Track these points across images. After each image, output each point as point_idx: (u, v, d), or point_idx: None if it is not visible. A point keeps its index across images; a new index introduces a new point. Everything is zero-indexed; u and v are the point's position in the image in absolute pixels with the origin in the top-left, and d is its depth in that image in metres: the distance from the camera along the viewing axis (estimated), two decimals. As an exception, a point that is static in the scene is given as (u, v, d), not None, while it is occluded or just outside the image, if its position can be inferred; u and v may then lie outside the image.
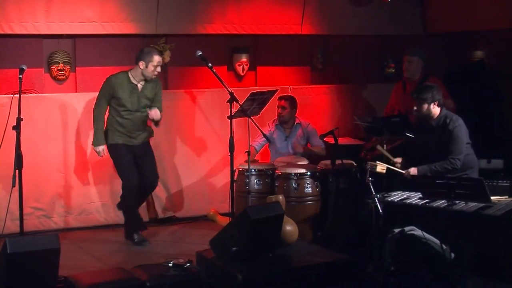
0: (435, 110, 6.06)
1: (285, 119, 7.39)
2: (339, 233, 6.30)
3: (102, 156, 6.57)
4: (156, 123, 6.60)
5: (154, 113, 6.44)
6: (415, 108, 6.13)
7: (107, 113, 6.53)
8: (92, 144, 6.58)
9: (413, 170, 6.00)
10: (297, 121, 7.46)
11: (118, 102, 6.44)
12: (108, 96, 6.45)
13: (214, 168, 7.74)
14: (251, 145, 7.23)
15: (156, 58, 6.45)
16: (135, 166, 6.55)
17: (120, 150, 6.53)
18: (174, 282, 4.98)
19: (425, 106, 6.05)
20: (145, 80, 6.48)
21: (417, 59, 7.17)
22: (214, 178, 7.75)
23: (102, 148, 6.52)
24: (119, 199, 6.79)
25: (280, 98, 7.32)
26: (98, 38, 7.29)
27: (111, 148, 6.56)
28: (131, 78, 6.46)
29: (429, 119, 6.12)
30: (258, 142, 7.35)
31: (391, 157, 6.18)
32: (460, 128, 5.98)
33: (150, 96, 6.55)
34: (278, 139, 7.41)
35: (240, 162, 6.90)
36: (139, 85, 6.49)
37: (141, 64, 6.42)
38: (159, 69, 6.49)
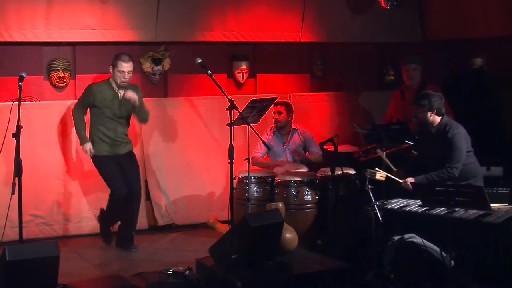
0: (433, 118, 6.05)
1: (282, 124, 7.40)
2: (339, 240, 6.29)
3: (91, 153, 6.44)
4: (134, 108, 6.41)
5: (131, 93, 6.26)
6: (414, 113, 6.16)
7: (88, 121, 6.50)
8: (81, 145, 6.51)
9: (410, 180, 5.97)
10: (293, 126, 7.47)
11: (99, 110, 6.38)
12: (88, 103, 6.41)
13: (214, 176, 7.73)
14: (255, 156, 7.27)
15: (122, 64, 6.27)
16: (122, 175, 6.48)
17: (105, 160, 6.46)
18: (174, 290, 4.98)
19: (421, 112, 6.06)
20: (122, 86, 6.39)
21: (419, 66, 7.20)
22: (213, 185, 7.74)
23: (90, 145, 6.42)
24: (100, 213, 6.82)
25: (276, 104, 7.31)
26: (97, 46, 7.29)
27: (96, 160, 6.49)
28: (112, 85, 6.41)
29: (428, 126, 6.11)
30: (261, 151, 7.34)
31: (391, 166, 6.17)
32: (459, 136, 5.95)
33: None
34: (276, 146, 7.41)
35: (240, 170, 6.90)
36: (119, 93, 6.41)
37: (110, 69, 6.39)
38: (127, 76, 6.32)
